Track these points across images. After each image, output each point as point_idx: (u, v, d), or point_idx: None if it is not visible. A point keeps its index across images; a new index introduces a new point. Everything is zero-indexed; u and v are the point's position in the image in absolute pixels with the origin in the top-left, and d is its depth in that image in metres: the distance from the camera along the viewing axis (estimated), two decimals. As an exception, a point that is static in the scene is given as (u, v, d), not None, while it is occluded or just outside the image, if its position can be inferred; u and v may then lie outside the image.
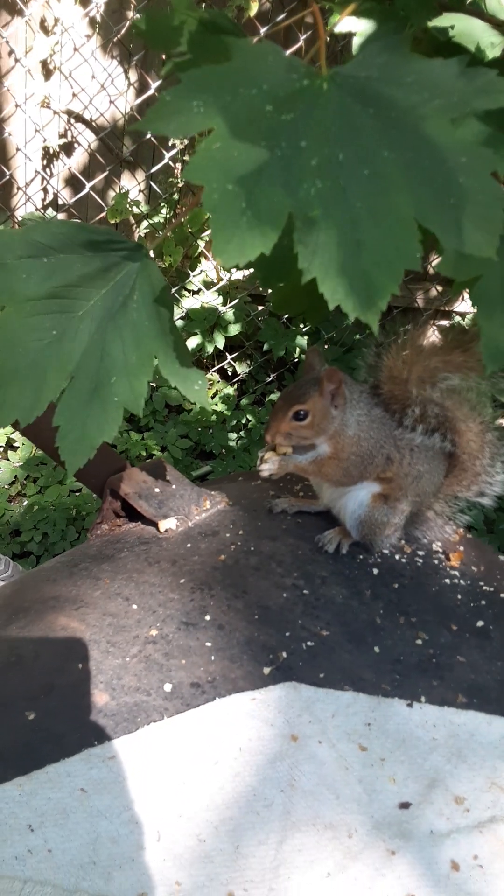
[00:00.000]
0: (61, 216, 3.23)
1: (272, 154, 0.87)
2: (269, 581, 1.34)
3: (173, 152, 3.06)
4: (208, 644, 1.18)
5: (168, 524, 1.49)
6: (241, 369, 3.46)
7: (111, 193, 3.23)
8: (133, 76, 3.06)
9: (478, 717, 1.19)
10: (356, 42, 1.36)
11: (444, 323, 3.59)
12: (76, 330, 0.99)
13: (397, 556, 1.49)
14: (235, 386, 3.46)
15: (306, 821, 0.96)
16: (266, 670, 1.15)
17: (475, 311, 1.14)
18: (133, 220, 3.28)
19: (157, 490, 1.55)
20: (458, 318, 3.64)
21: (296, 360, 3.45)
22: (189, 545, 1.43)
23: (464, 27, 1.30)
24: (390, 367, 1.35)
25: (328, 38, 1.18)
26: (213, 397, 3.38)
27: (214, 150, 0.87)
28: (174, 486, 1.57)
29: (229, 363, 3.43)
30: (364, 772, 1.04)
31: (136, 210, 3.18)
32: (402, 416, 1.36)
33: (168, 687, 1.09)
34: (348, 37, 1.36)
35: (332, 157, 0.88)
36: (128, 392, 0.98)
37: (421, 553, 1.52)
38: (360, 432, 1.34)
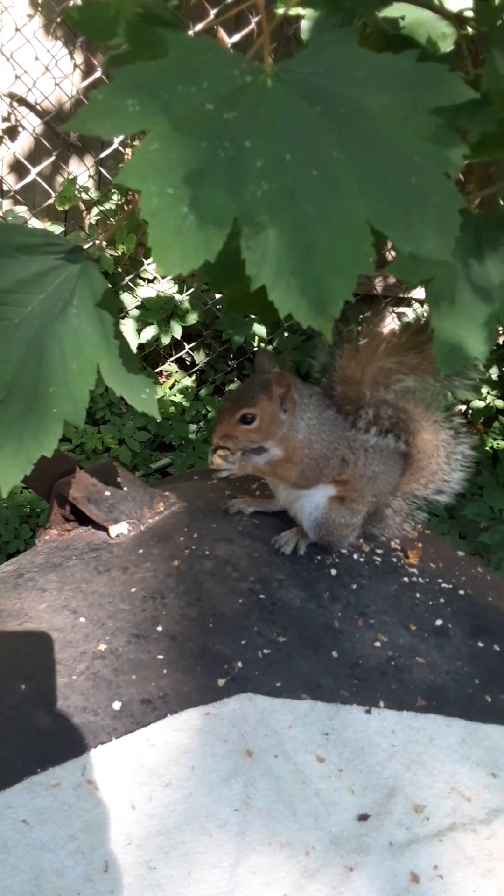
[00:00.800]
0: (6, 203, 3.14)
1: (215, 155, 0.83)
2: (225, 587, 1.31)
3: (122, 137, 2.98)
4: (160, 657, 1.14)
5: (119, 529, 1.45)
6: (200, 359, 3.41)
7: (59, 179, 3.14)
8: (79, 58, 2.97)
9: (437, 721, 1.18)
10: (304, 25, 1.31)
11: (403, 310, 3.58)
12: (12, 338, 0.94)
13: (355, 556, 1.47)
14: (194, 376, 3.41)
15: (262, 840, 0.94)
16: (220, 682, 1.12)
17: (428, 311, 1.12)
18: (83, 207, 3.20)
19: (107, 493, 1.50)
20: (416, 306, 3.63)
21: (255, 348, 3.42)
22: (141, 551, 1.39)
23: (414, 18, 1.26)
24: (344, 367, 1.33)
25: (279, 21, 1.14)
26: (171, 388, 3.33)
27: (152, 152, 0.82)
28: (125, 489, 1.53)
29: (187, 353, 3.38)
30: (321, 784, 1.02)
31: (85, 196, 3.10)
32: (355, 417, 1.34)
33: (117, 705, 1.06)
34: (300, 18, 1.32)
35: (278, 158, 0.84)
36: (68, 403, 0.94)
37: (379, 551, 1.50)
38: (311, 435, 1.31)
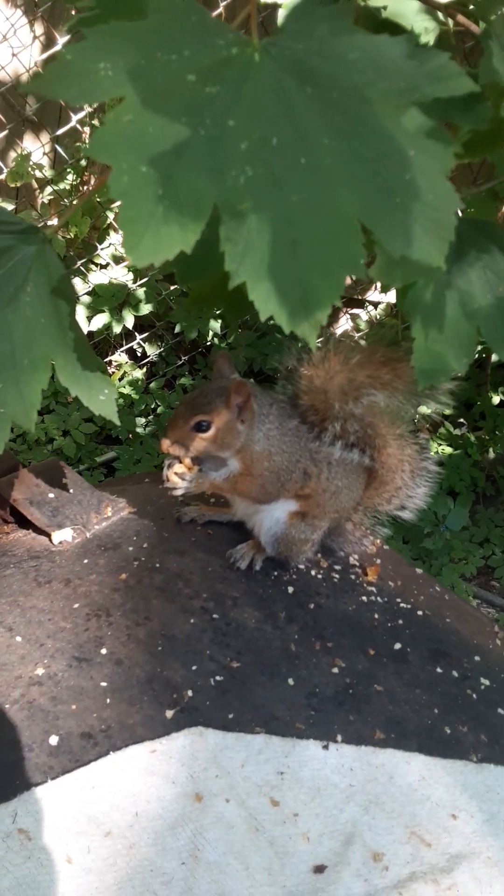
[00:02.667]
0: (-44, 177, 2.96)
1: (195, 132, 0.74)
2: (176, 604, 1.22)
3: (81, 114, 2.84)
4: (104, 684, 1.04)
5: (63, 535, 1.34)
6: (151, 351, 3.29)
7: (12, 154, 2.97)
8: (39, 28, 2.82)
9: (396, 756, 1.11)
10: (282, 14, 1.22)
11: (357, 311, 3.52)
12: (-46, 327, 0.83)
13: (313, 572, 1.39)
14: (144, 368, 3.29)
15: (211, 899, 0.85)
16: (169, 713, 1.03)
17: (409, 322, 1.04)
18: (36, 185, 3.04)
19: (51, 495, 1.39)
20: (370, 308, 3.57)
21: (208, 343, 3.31)
22: (86, 561, 1.28)
23: (396, 10, 1.18)
24: (311, 375, 1.24)
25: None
26: (120, 380, 3.20)
27: (125, 124, 0.72)
28: (72, 491, 1.42)
29: (139, 343, 3.25)
30: (276, 831, 0.94)
31: (38, 174, 2.94)
32: (320, 429, 1.25)
33: (54, 740, 0.95)
34: (271, 9, 1.22)
35: (264, 141, 0.75)
36: (17, 402, 0.83)
37: (338, 568, 1.43)
38: (271, 447, 1.23)
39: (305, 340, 0.72)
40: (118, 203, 0.72)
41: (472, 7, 1.07)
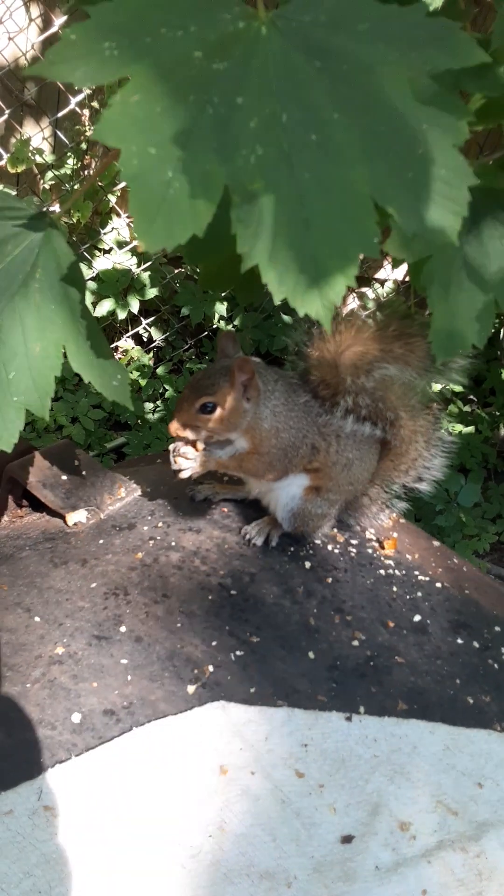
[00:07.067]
0: (-44, 164, 2.94)
1: (203, 111, 0.73)
2: (193, 581, 1.23)
3: (80, 97, 2.81)
4: (124, 661, 1.05)
5: (77, 517, 1.35)
6: (157, 335, 3.28)
7: (12, 140, 2.96)
8: (35, 10, 2.79)
9: (419, 727, 1.12)
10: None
11: (364, 290, 3.50)
12: (-34, 315, 0.83)
13: (330, 547, 1.40)
14: (151, 353, 3.29)
15: (239, 871, 0.86)
16: (190, 689, 1.04)
17: (427, 295, 1.03)
18: (37, 171, 3.03)
19: (64, 478, 1.40)
20: (377, 285, 3.56)
21: (214, 326, 3.30)
22: (101, 541, 1.30)
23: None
24: (320, 348, 1.24)
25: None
26: (127, 365, 3.20)
27: (132, 105, 0.72)
28: (84, 473, 1.43)
29: (144, 328, 3.25)
30: (302, 802, 0.95)
31: (39, 159, 2.93)
32: (332, 403, 1.26)
33: (77, 717, 0.96)
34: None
35: (273, 118, 0.75)
36: (30, 390, 0.83)
37: (354, 542, 1.43)
38: (278, 423, 1.23)
39: (319, 321, 0.72)
40: (120, 186, 0.72)
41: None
